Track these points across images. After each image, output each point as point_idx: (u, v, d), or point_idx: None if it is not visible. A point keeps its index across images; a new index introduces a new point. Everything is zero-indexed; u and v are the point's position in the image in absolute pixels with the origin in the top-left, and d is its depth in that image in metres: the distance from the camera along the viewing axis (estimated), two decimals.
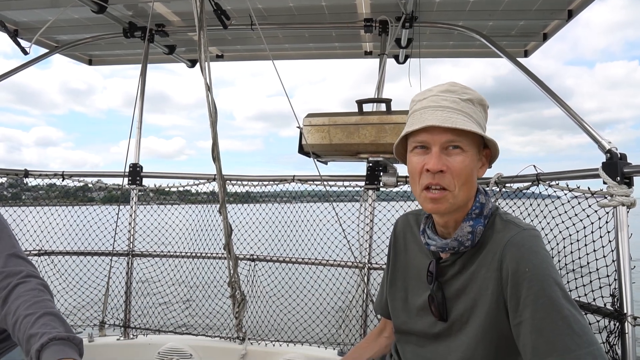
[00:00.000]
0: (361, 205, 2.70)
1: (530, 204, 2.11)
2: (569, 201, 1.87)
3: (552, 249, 1.85)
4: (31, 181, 3.08)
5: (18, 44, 2.91)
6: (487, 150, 1.28)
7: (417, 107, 1.27)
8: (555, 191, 1.96)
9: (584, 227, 1.78)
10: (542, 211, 2.01)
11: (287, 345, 2.70)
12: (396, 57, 3.48)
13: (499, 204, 2.22)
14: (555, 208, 1.93)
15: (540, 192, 2.06)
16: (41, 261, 2.98)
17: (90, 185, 3.12)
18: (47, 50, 3.42)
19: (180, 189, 3.05)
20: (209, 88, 2.05)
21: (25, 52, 2.94)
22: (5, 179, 3.11)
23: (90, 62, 3.99)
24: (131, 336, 2.90)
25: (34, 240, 3.03)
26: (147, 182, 3.10)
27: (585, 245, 1.75)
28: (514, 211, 2.16)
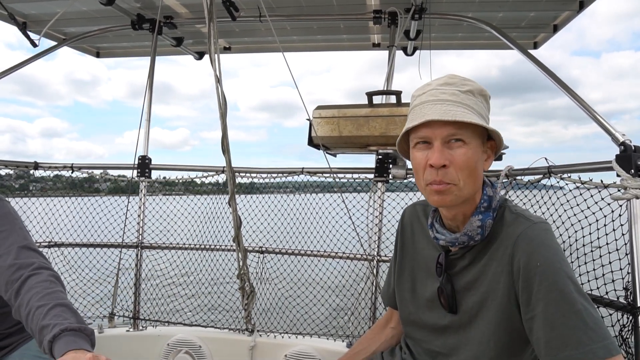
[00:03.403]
0: (370, 197, 2.69)
1: (542, 197, 2.10)
2: (581, 194, 1.85)
3: (563, 242, 1.84)
4: (40, 172, 3.09)
5: (27, 37, 2.91)
6: (491, 141, 1.27)
7: (416, 102, 1.25)
8: (567, 184, 1.94)
9: (597, 220, 1.76)
10: (553, 204, 2.00)
11: (296, 337, 2.71)
12: (404, 49, 3.46)
13: (509, 196, 2.21)
14: (567, 201, 1.92)
15: (552, 185, 2.04)
16: (51, 253, 2.99)
17: (98, 176, 3.12)
18: (55, 43, 3.41)
19: (189, 180, 3.05)
20: (218, 80, 2.03)
21: (34, 45, 2.94)
22: (13, 171, 3.12)
23: (98, 55, 3.99)
24: (140, 328, 2.91)
25: (43, 232, 3.04)
26: (156, 174, 3.10)
27: (598, 238, 1.74)
28: (524, 204, 2.15)
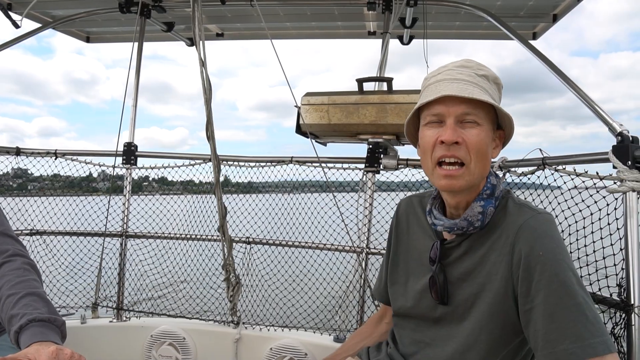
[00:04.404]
0: (360, 188, 2.62)
1: (535, 190, 2.03)
2: (576, 186, 1.78)
3: None
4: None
5: (9, 18, 2.83)
6: (500, 131, 1.25)
7: (431, 81, 1.23)
8: (561, 175, 1.87)
9: (591, 214, 1.70)
10: (547, 197, 1.94)
11: (282, 330, 2.65)
12: (400, 38, 3.37)
13: None
14: (562, 193, 1.85)
15: (548, 184, 1.97)
16: (33, 241, 2.93)
17: (84, 163, 3.03)
18: (40, 25, 3.31)
19: (176, 169, 2.97)
20: (203, 64, 1.96)
21: (16, 26, 2.85)
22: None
23: (88, 40, 3.89)
24: (124, 318, 2.85)
25: (25, 220, 2.97)
26: (142, 162, 3.02)
27: (592, 232, 1.67)
28: (518, 196, 2.08)
